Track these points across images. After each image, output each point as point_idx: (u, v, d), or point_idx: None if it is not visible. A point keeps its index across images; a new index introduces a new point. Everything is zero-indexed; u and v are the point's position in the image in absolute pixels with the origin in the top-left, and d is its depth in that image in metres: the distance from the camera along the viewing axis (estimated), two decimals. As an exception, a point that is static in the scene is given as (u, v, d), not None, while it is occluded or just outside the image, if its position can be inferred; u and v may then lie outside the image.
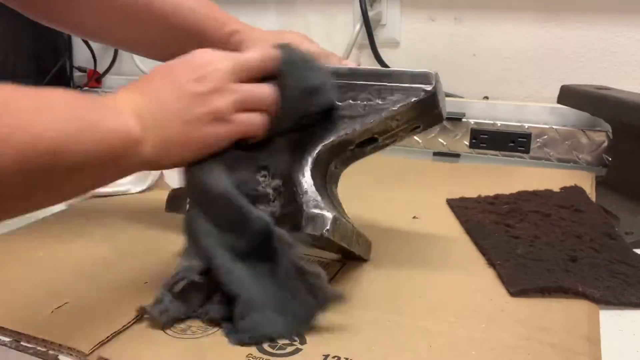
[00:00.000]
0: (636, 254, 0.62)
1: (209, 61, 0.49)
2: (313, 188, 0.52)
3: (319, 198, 0.52)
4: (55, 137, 0.38)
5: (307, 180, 0.53)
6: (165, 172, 0.81)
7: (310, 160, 0.54)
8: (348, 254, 0.58)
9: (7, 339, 0.48)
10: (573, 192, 0.77)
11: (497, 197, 0.76)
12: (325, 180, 0.57)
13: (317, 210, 0.51)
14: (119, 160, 0.43)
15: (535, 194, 0.76)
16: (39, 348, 0.47)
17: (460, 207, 0.73)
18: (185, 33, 0.62)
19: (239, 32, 0.63)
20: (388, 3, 1.03)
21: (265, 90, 0.51)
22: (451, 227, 0.68)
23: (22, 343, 0.47)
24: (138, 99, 0.46)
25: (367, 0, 1.01)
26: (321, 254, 0.60)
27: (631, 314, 0.51)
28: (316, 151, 0.54)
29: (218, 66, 0.49)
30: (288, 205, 0.52)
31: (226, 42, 0.62)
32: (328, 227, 0.50)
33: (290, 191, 0.52)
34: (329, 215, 0.50)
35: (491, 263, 0.59)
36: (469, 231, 0.66)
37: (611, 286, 0.54)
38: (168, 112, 0.46)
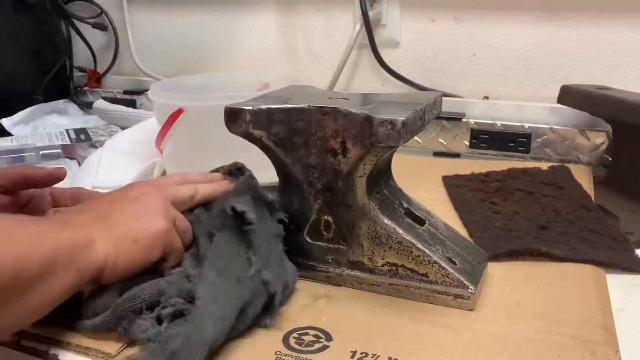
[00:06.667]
0: (608, 223, 0.64)
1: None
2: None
3: None
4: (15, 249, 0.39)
5: None
6: (168, 168, 0.82)
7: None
8: None
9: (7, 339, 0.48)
10: (559, 170, 0.81)
11: (488, 174, 0.81)
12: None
13: None
14: (75, 261, 0.44)
15: (524, 171, 0.81)
16: (38, 348, 0.47)
17: (453, 185, 0.78)
18: None
19: None
20: (388, 3, 1.04)
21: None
22: (443, 203, 0.74)
23: (22, 343, 0.47)
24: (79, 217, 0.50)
25: (367, 0, 1.01)
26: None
27: (631, 314, 0.51)
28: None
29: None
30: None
31: None
32: None
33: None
34: None
35: (470, 235, 0.63)
36: (457, 208, 0.72)
37: (576, 248, 0.58)
38: (111, 217, 0.49)
